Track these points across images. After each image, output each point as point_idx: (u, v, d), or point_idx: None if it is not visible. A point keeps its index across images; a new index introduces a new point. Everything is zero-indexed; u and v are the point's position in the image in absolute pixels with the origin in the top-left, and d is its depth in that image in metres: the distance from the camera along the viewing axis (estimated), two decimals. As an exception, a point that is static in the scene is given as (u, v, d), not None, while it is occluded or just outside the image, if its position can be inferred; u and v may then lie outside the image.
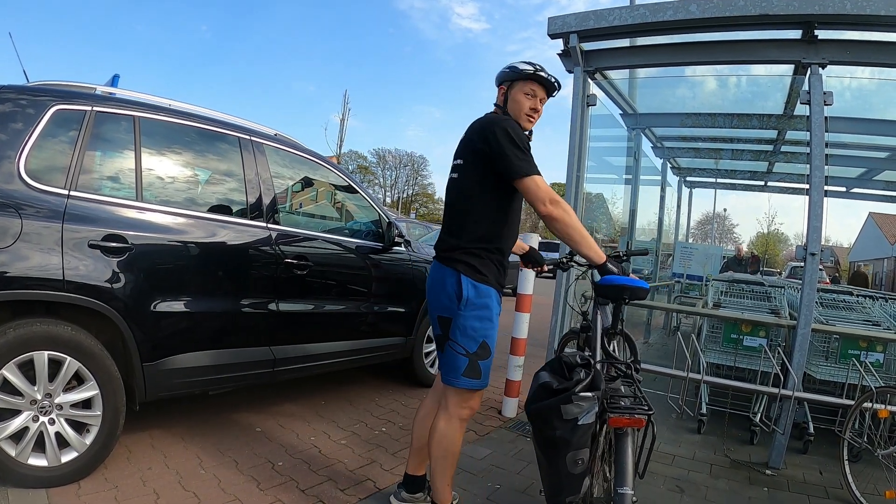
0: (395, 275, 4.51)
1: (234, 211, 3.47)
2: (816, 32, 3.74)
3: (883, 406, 3.40)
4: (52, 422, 2.67)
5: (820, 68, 3.81)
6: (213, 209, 3.36)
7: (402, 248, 4.56)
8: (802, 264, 3.87)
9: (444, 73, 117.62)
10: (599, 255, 2.41)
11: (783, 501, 3.35)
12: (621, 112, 6.57)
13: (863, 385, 3.86)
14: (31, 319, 2.60)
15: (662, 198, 9.14)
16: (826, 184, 3.82)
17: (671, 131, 7.67)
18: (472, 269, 2.44)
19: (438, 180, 77.65)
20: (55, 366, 2.65)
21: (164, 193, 3.15)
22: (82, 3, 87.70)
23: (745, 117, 6.37)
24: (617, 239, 8.72)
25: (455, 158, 2.59)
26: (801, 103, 3.99)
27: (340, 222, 4.90)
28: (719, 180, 10.44)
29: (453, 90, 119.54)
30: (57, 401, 2.67)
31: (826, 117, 3.81)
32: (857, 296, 5.53)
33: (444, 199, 2.71)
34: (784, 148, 7.44)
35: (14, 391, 2.55)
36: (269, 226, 3.56)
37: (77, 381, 2.74)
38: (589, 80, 4.59)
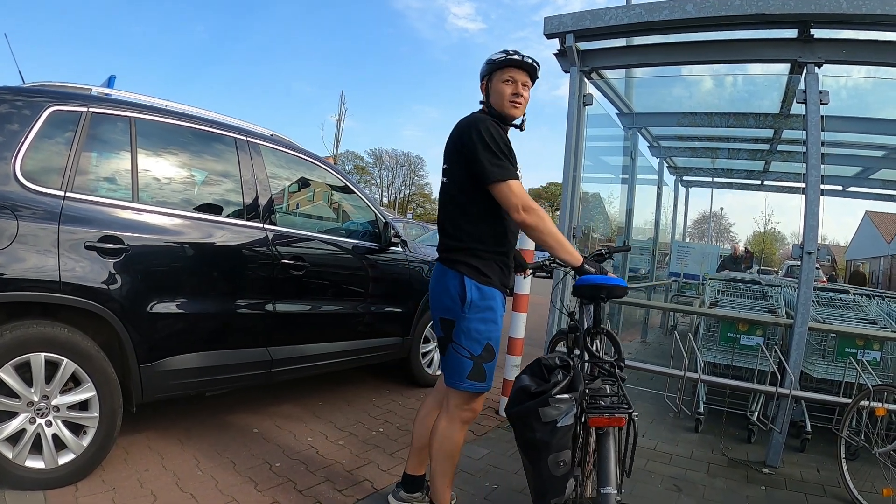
0: (392, 275, 4.51)
1: (230, 212, 3.47)
2: (812, 32, 3.74)
3: (880, 404, 3.41)
4: (48, 424, 2.66)
5: (816, 67, 3.81)
6: (210, 210, 3.36)
7: (399, 249, 4.56)
8: (799, 263, 3.88)
9: (441, 73, 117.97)
10: (576, 258, 2.43)
11: (781, 500, 3.36)
12: (618, 111, 6.57)
13: (860, 383, 3.87)
14: (27, 321, 2.59)
15: (659, 196, 9.14)
16: (822, 182, 3.83)
17: (668, 131, 7.68)
18: (476, 271, 2.42)
19: (435, 180, 77.86)
20: (52, 367, 2.64)
21: (160, 194, 3.14)
22: (79, 4, 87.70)
23: (742, 116, 6.38)
24: (614, 238, 8.72)
25: (444, 163, 2.56)
26: (797, 102, 3.99)
27: (337, 223, 4.90)
28: (716, 179, 10.44)
29: (450, 90, 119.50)
30: (54, 402, 2.67)
31: (822, 116, 3.82)
32: (854, 294, 5.54)
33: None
34: (780, 147, 7.45)
35: (11, 393, 2.54)
36: (266, 226, 3.55)
37: (74, 382, 2.73)
38: (585, 79, 4.58)
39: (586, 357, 2.47)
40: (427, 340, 4.98)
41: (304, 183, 4.42)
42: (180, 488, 2.86)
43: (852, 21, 3.64)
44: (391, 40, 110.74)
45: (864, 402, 3.47)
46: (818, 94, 3.78)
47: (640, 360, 5.45)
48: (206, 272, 3.28)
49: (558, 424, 2.08)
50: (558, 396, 2.09)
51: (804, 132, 3.87)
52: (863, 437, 3.51)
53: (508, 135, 2.56)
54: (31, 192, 2.63)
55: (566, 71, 4.56)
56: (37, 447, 2.64)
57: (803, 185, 3.82)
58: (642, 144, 7.88)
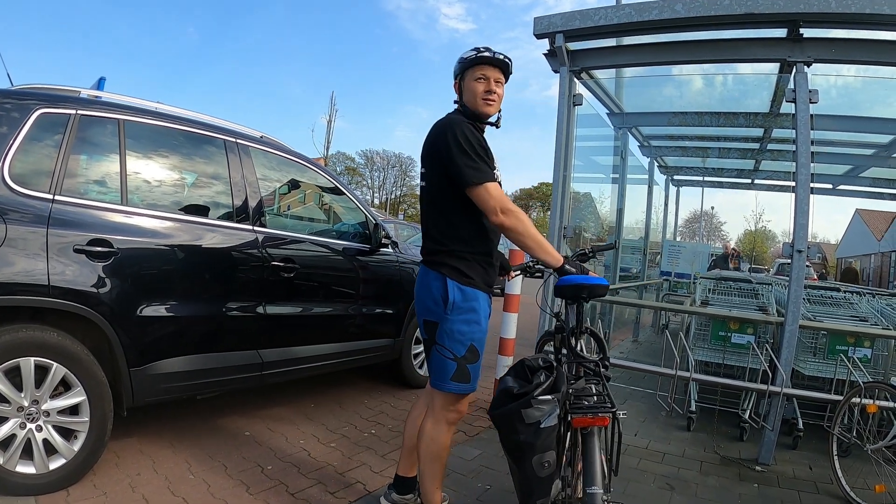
0: (383, 276, 4.50)
1: (220, 214, 3.45)
2: (802, 31, 3.77)
3: (871, 401, 3.42)
4: (39, 429, 2.64)
5: (805, 66, 3.84)
6: (200, 212, 3.34)
7: (390, 250, 4.56)
8: (790, 261, 3.89)
9: (432, 74, 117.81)
10: (556, 259, 2.41)
11: (773, 497, 3.37)
12: (608, 111, 6.59)
13: (851, 380, 3.89)
14: (16, 325, 2.57)
15: (650, 196, 9.17)
16: (812, 181, 3.85)
17: (658, 130, 7.71)
18: (458, 273, 2.42)
19: (427, 181, 77.37)
20: (42, 372, 2.62)
21: (149, 197, 3.13)
22: (68, 6, 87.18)
23: (732, 116, 6.41)
24: (605, 238, 8.74)
25: (421, 166, 2.55)
26: (786, 101, 4.02)
27: (327, 224, 4.88)
28: (706, 178, 10.49)
29: (441, 90, 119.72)
30: (44, 407, 2.65)
31: (812, 115, 3.84)
32: (845, 292, 5.58)
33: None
34: (770, 146, 7.50)
35: (0, 398, 2.52)
36: (256, 228, 3.54)
37: (64, 387, 2.71)
38: (575, 79, 4.60)
39: (571, 357, 2.47)
40: (418, 342, 4.96)
41: (294, 185, 4.41)
42: (172, 492, 2.85)
43: (841, 20, 3.66)
44: (382, 41, 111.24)
45: (856, 399, 3.50)
46: (807, 93, 3.80)
47: (631, 359, 5.47)
48: (197, 275, 3.26)
49: (542, 425, 2.08)
50: (541, 398, 2.10)
51: (794, 131, 3.89)
52: (854, 433, 3.53)
53: (487, 134, 2.54)
54: (20, 196, 2.61)
55: (556, 71, 4.57)
56: (27, 452, 2.61)
57: (793, 184, 3.84)
58: (633, 144, 7.89)
